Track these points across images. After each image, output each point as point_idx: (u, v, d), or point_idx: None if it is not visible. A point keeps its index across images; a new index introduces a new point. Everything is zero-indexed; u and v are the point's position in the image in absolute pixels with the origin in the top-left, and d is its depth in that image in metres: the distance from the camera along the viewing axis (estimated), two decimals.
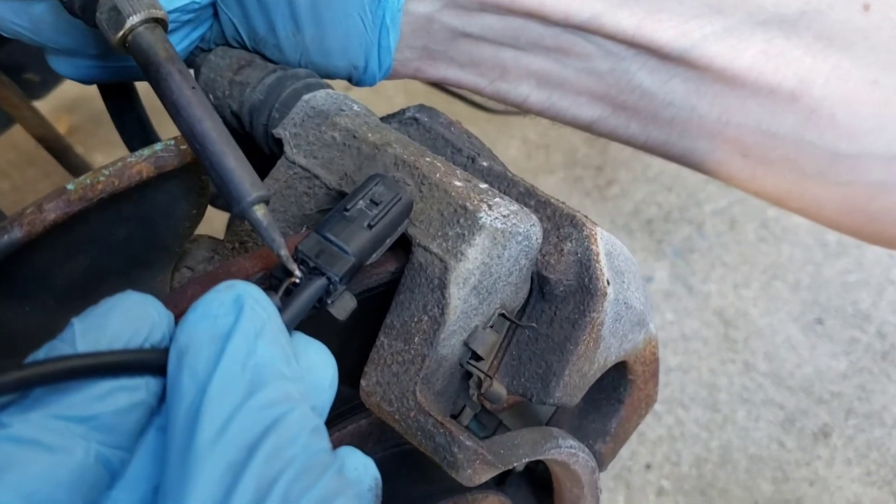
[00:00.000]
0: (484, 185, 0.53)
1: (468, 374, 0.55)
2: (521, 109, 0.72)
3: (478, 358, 0.53)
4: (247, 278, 0.46)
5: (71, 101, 1.84)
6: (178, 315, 0.39)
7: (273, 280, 0.45)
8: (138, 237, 0.51)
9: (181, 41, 0.60)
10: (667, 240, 1.73)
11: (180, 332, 0.38)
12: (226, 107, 0.60)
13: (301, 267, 0.45)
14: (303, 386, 0.39)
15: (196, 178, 0.51)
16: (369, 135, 0.54)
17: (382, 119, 0.62)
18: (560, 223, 0.55)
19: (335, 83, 0.64)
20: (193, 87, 0.47)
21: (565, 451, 0.57)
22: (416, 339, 0.51)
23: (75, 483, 0.35)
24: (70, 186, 0.45)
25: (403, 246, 0.52)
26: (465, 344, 0.52)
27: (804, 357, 1.55)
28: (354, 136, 0.55)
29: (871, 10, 0.62)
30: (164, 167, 0.48)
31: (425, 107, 0.63)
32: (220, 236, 0.63)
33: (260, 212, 0.45)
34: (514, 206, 0.51)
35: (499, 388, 0.55)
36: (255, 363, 0.37)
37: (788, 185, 0.68)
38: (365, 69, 0.64)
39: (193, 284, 0.47)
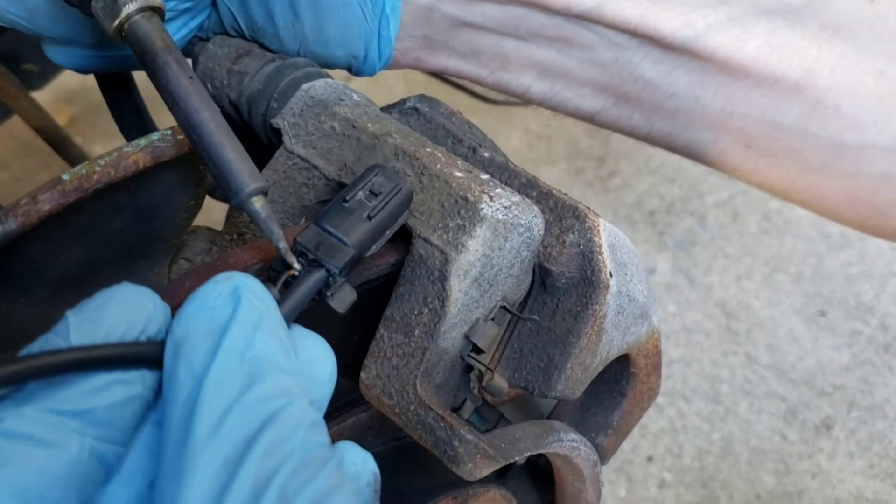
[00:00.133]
0: (485, 176, 0.52)
1: (469, 368, 0.54)
2: (522, 100, 0.71)
3: (479, 351, 0.52)
4: (245, 270, 0.45)
5: (70, 93, 1.83)
6: (175, 307, 0.39)
7: (272, 272, 0.44)
8: (135, 228, 0.50)
9: (179, 30, 0.60)
10: (669, 232, 1.72)
11: (177, 324, 0.37)
12: (224, 96, 0.60)
13: (300, 259, 0.44)
14: (301, 379, 0.38)
15: (194, 169, 0.51)
16: (369, 125, 0.54)
17: (382, 109, 0.61)
18: (562, 214, 0.55)
19: (334, 73, 0.63)
20: (191, 77, 0.47)
21: (567, 445, 0.56)
22: (417, 331, 0.50)
23: (70, 478, 0.34)
24: (65, 177, 0.44)
25: (404, 237, 0.51)
26: (466, 337, 0.52)
27: (806, 349, 1.55)
28: (354, 126, 0.54)
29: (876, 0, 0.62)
30: (160, 157, 0.47)
31: (426, 97, 0.62)
32: (219, 228, 0.62)
33: (258, 203, 0.44)
34: (516, 198, 0.51)
35: (500, 381, 0.55)
36: (253, 356, 0.37)
37: (792, 176, 0.67)
38: (364, 59, 0.63)
39: (191, 276, 0.46)
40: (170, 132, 0.48)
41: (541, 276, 0.55)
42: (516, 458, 0.52)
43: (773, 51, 0.62)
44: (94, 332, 0.36)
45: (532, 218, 0.51)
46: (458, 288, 0.49)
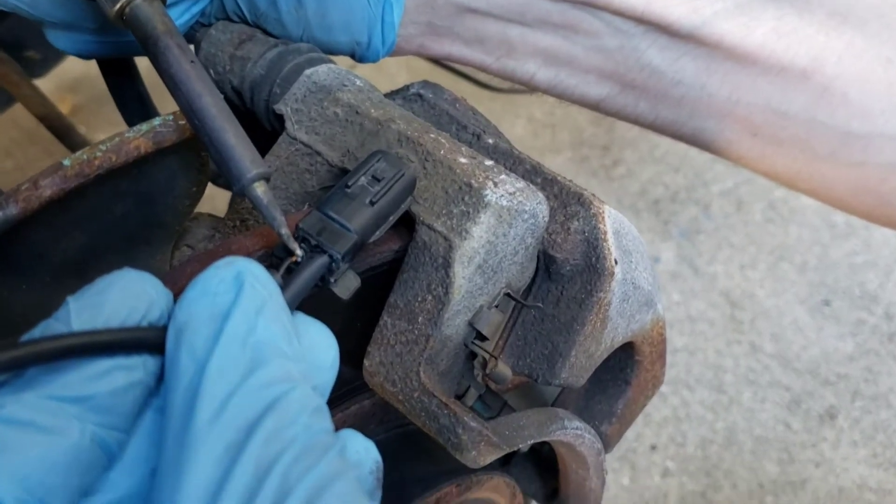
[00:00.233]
0: (489, 162, 0.52)
1: (473, 355, 0.54)
2: (527, 87, 0.71)
3: (483, 338, 0.52)
4: (247, 257, 0.45)
5: (74, 81, 1.83)
6: (177, 293, 0.38)
7: (274, 259, 0.44)
8: (137, 214, 0.50)
9: (181, 15, 0.59)
10: (673, 220, 1.72)
11: (179, 309, 0.37)
12: (226, 82, 0.59)
13: (302, 245, 0.44)
14: (304, 365, 0.38)
15: (195, 155, 0.50)
16: (372, 110, 0.54)
17: (386, 95, 0.61)
18: (567, 201, 0.54)
19: (338, 60, 0.63)
20: (192, 62, 0.46)
21: (571, 433, 0.56)
22: (420, 318, 0.50)
23: (70, 465, 0.34)
24: (66, 162, 0.44)
25: (407, 224, 0.51)
26: (470, 324, 0.51)
27: (811, 339, 1.55)
28: (357, 112, 0.54)
29: None
30: (162, 143, 0.47)
31: (429, 83, 0.62)
32: (223, 215, 0.62)
33: (260, 189, 0.44)
34: (521, 184, 0.50)
35: (504, 368, 0.54)
36: (256, 341, 0.36)
37: (799, 165, 0.67)
38: (368, 45, 0.63)
39: (193, 262, 0.46)
40: (171, 117, 0.48)
41: (545, 264, 0.55)
42: (520, 446, 0.52)
43: (781, 38, 0.61)
44: (96, 317, 0.36)
45: (537, 204, 0.50)
46: (462, 275, 0.49)
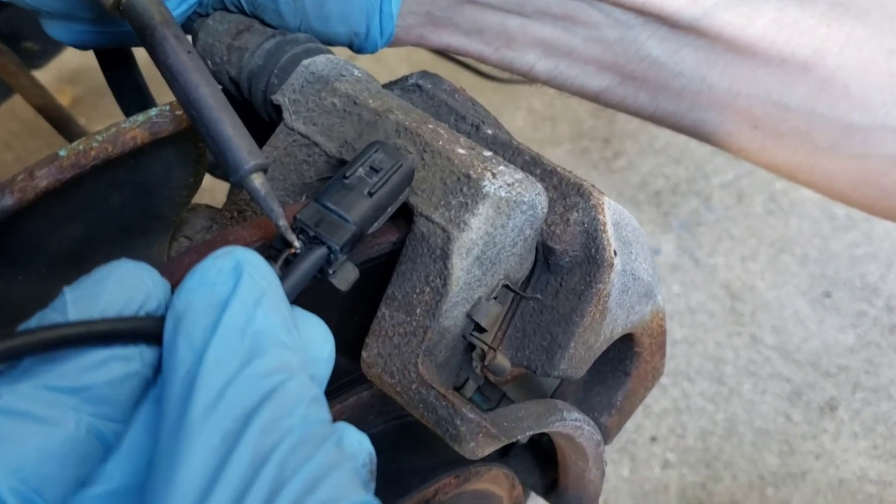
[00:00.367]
0: (488, 153, 0.51)
1: (471, 347, 0.54)
2: (526, 78, 0.71)
3: (481, 330, 0.52)
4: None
5: (73, 73, 1.82)
6: (175, 284, 0.38)
7: (272, 251, 0.44)
8: (133, 205, 0.50)
9: (178, 5, 0.59)
10: (674, 212, 1.71)
11: (177, 298, 0.37)
12: (224, 73, 0.59)
13: (300, 237, 0.44)
14: (302, 355, 0.38)
15: (193, 146, 0.50)
16: (370, 101, 0.53)
17: (385, 86, 0.60)
18: (566, 192, 0.54)
19: (336, 50, 0.63)
20: (189, 52, 0.46)
21: (570, 424, 0.56)
22: (418, 310, 0.50)
23: (66, 456, 0.34)
24: (62, 152, 0.44)
25: (405, 215, 0.50)
26: (469, 315, 0.51)
27: (811, 330, 1.54)
28: (355, 103, 0.53)
29: None
30: (158, 133, 0.47)
31: (428, 73, 0.62)
32: (220, 206, 0.62)
33: (258, 180, 0.44)
34: (519, 175, 0.50)
35: (502, 360, 0.54)
36: (254, 331, 0.36)
37: (799, 157, 0.66)
38: (366, 36, 0.63)
39: (190, 253, 0.46)
40: (168, 108, 0.48)
41: (544, 255, 0.55)
42: (519, 437, 0.52)
43: (781, 29, 0.61)
44: (92, 307, 0.36)
45: (535, 195, 0.50)
46: (460, 266, 0.49)
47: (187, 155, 0.50)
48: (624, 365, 0.66)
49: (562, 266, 0.54)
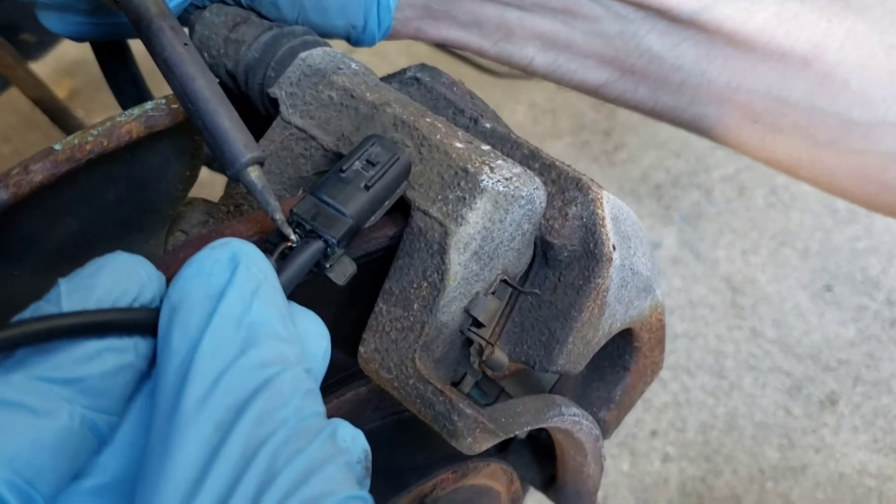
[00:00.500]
0: (486, 147, 0.51)
1: (469, 342, 0.54)
2: (525, 72, 0.70)
3: (479, 325, 0.52)
4: None
5: (72, 65, 1.82)
6: (170, 278, 0.38)
7: (268, 245, 0.43)
8: (129, 199, 0.50)
9: None
10: (675, 206, 1.71)
11: (173, 289, 0.37)
12: (221, 66, 0.59)
13: (297, 230, 0.43)
14: (298, 347, 0.38)
15: (189, 139, 0.50)
16: (368, 94, 0.53)
17: (382, 79, 0.60)
18: (565, 186, 0.54)
19: (334, 44, 0.62)
20: (186, 44, 0.46)
21: (568, 420, 0.56)
22: (416, 305, 0.50)
23: (59, 448, 0.34)
24: (57, 146, 0.44)
25: (402, 210, 0.50)
26: (466, 310, 0.51)
27: (812, 324, 1.54)
28: (352, 96, 0.53)
29: None
30: (154, 127, 0.46)
31: (427, 66, 0.61)
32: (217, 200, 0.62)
33: (254, 174, 0.43)
34: (517, 169, 0.50)
35: (500, 355, 0.54)
36: (250, 322, 0.36)
37: (799, 153, 0.66)
38: (364, 28, 0.62)
39: (186, 248, 0.46)
40: (164, 101, 0.47)
41: (542, 250, 0.54)
42: (517, 433, 0.52)
43: (782, 23, 0.61)
44: (86, 299, 0.36)
45: (534, 190, 0.50)
46: (458, 261, 0.48)
47: (184, 149, 0.50)
48: (623, 360, 0.66)
49: (560, 261, 0.54)
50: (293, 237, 0.43)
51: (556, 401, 0.55)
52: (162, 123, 0.47)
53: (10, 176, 0.43)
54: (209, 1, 0.61)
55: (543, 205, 0.51)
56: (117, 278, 0.37)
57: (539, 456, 0.72)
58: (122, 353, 0.36)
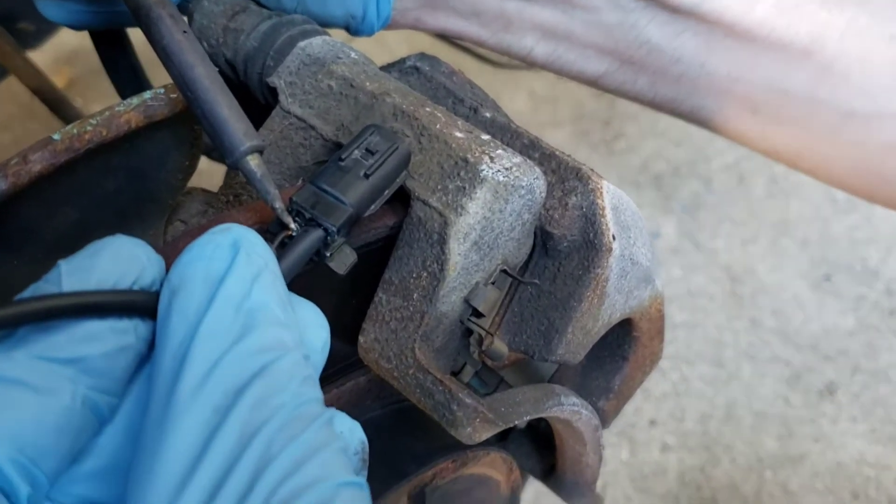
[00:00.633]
0: (486, 137, 0.51)
1: (469, 332, 0.54)
2: (524, 62, 0.70)
3: (479, 315, 0.52)
4: None
5: (71, 53, 1.81)
6: (170, 266, 0.38)
7: (268, 234, 0.43)
8: (129, 189, 0.49)
9: None
10: (675, 195, 1.71)
11: (173, 272, 0.37)
12: (220, 55, 0.58)
13: (296, 219, 0.43)
14: (297, 333, 0.38)
15: (188, 129, 0.50)
16: (367, 84, 0.53)
17: (382, 68, 0.60)
18: (565, 176, 0.54)
19: (333, 33, 0.62)
20: (185, 32, 0.46)
21: (568, 409, 0.56)
22: (415, 295, 0.50)
23: (62, 427, 0.34)
24: (56, 136, 0.44)
25: (402, 200, 0.50)
26: (466, 300, 0.51)
27: (811, 314, 1.54)
28: (352, 86, 0.53)
29: None
30: (153, 116, 0.46)
31: (426, 55, 0.61)
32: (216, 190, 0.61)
33: (253, 162, 0.43)
34: (517, 159, 0.50)
35: (500, 345, 0.54)
36: (250, 307, 0.36)
37: (799, 144, 0.66)
38: (363, 18, 0.62)
39: (186, 238, 0.46)
40: (163, 91, 0.47)
41: (542, 240, 0.54)
42: (516, 422, 0.52)
43: (782, 14, 0.61)
44: (86, 280, 0.36)
45: (534, 180, 0.50)
46: (458, 251, 0.48)
47: (183, 138, 0.50)
48: (622, 350, 0.66)
49: (560, 251, 0.54)
50: (293, 226, 0.43)
51: (555, 390, 0.55)
52: (161, 113, 0.47)
53: (8, 166, 0.43)
54: None
55: (543, 194, 0.51)
56: (117, 260, 0.37)
57: (538, 445, 0.72)
58: (122, 334, 0.36)
